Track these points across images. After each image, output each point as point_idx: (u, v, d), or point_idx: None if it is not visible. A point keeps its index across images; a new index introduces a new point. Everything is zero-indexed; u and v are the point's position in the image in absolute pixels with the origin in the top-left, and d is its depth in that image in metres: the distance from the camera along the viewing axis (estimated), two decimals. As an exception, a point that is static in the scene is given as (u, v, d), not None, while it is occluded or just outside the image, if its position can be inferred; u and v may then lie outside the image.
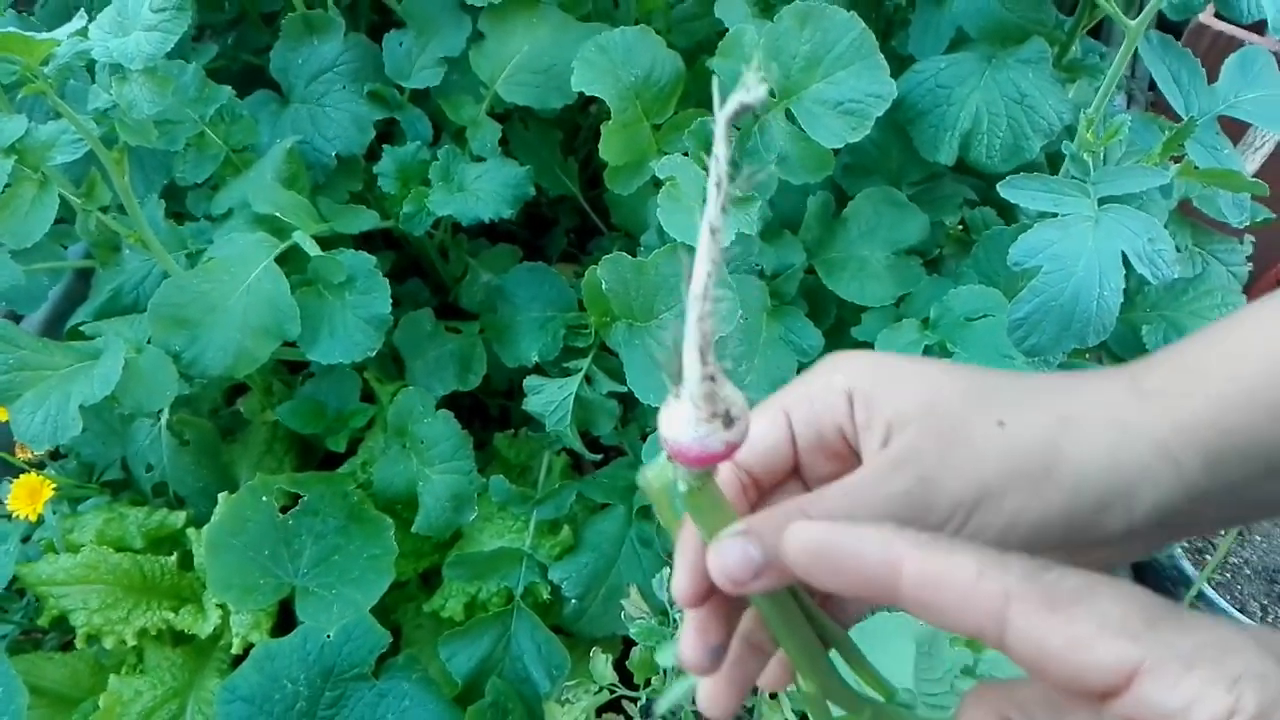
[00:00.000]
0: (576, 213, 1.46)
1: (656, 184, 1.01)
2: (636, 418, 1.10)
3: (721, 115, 0.30)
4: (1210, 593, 1.21)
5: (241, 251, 0.93)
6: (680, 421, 0.34)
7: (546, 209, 1.48)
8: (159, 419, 1.10)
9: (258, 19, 1.33)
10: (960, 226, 1.05)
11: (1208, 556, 1.26)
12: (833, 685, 0.44)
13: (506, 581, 1.01)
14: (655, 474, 0.37)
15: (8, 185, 0.81)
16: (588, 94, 0.89)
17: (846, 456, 0.43)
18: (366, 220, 1.01)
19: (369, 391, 1.16)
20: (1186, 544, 1.27)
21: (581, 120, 1.37)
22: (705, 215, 0.31)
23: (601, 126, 0.89)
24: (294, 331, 0.92)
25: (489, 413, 1.30)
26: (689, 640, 0.41)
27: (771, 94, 0.86)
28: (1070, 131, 0.90)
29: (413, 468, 1.04)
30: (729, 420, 0.34)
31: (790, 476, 0.45)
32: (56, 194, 0.80)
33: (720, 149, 0.31)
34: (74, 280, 1.33)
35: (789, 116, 0.84)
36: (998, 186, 0.76)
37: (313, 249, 0.94)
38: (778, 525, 0.39)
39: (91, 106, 0.80)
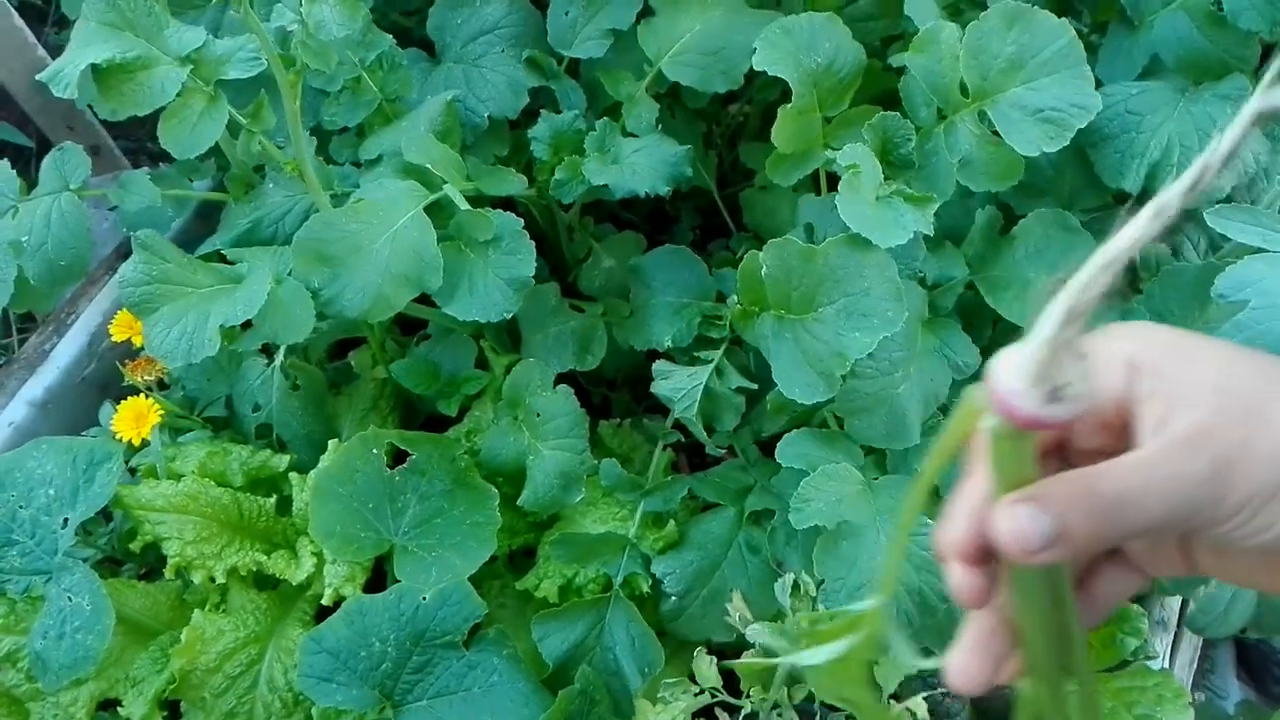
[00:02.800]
0: (700, 212, 1.43)
1: (814, 183, 0.99)
2: (751, 420, 1.06)
3: (1256, 104, 0.29)
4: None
5: (391, 196, 0.91)
6: (1017, 372, 0.32)
7: (669, 205, 1.46)
8: (273, 360, 1.08)
9: (411, -20, 1.33)
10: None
11: (1329, 649, 1.19)
12: (1072, 681, 0.40)
13: (607, 568, 0.97)
14: (975, 400, 0.34)
15: (178, 95, 0.80)
16: (769, 73, 0.86)
17: (1117, 430, 0.40)
18: (514, 184, 0.99)
19: (482, 361, 1.14)
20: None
21: (722, 117, 1.35)
22: (1171, 188, 0.31)
23: (779, 109, 0.86)
24: (435, 283, 0.90)
25: (590, 400, 1.27)
26: (960, 574, 0.39)
27: (964, 92, 0.83)
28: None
29: (523, 441, 1.01)
30: (1062, 394, 0.32)
31: (1053, 445, 0.41)
32: (226, 109, 0.78)
33: (1233, 135, 0.31)
34: (194, 218, 1.33)
35: (981, 119, 0.81)
36: (1205, 213, 0.71)
37: (462, 203, 0.92)
38: (1071, 498, 0.36)
39: (276, 24, 0.79)
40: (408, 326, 1.24)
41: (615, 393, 1.30)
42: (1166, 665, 1.00)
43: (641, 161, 0.94)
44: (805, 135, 0.90)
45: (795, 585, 0.79)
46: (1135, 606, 0.95)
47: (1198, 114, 0.86)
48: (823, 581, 0.79)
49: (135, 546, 0.96)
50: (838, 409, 0.82)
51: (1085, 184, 0.92)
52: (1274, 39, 0.87)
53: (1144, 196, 0.91)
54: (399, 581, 0.93)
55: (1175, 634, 1.02)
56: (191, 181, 1.28)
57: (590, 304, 1.14)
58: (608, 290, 1.18)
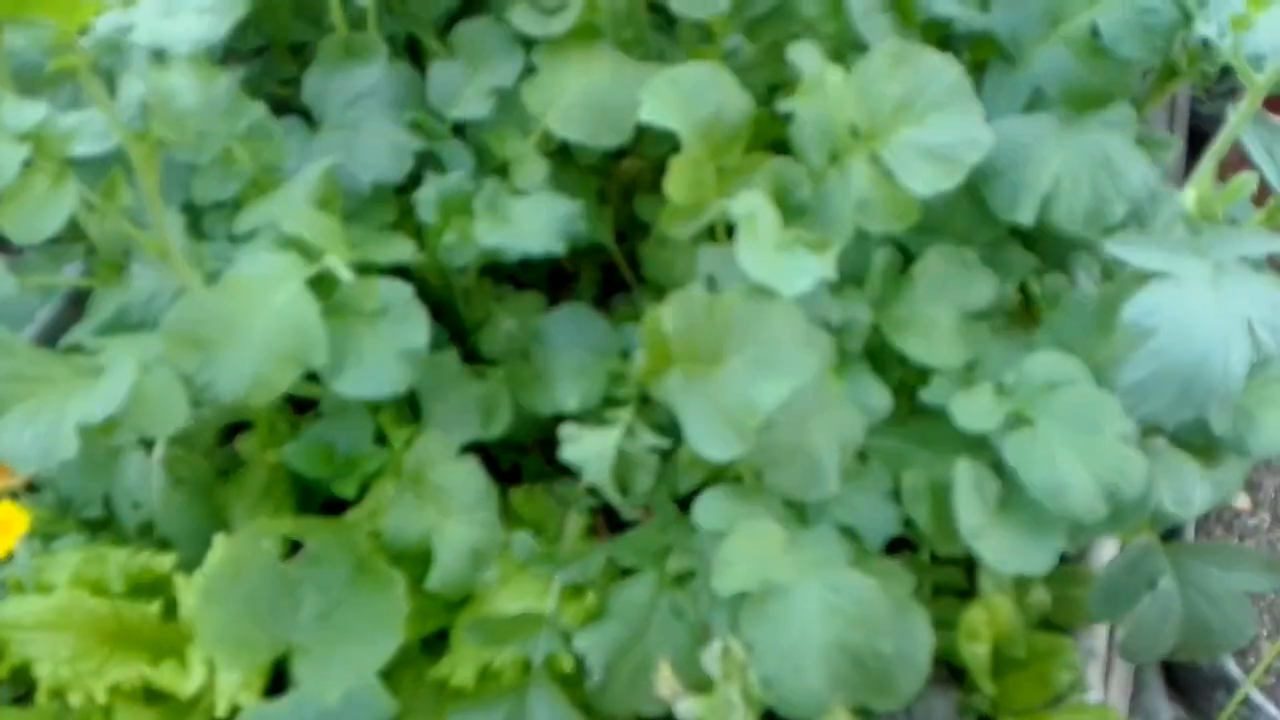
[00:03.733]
0: (600, 267, 1.40)
1: (710, 233, 0.97)
2: (667, 477, 1.03)
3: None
4: (1257, 697, 1.15)
5: (268, 271, 0.86)
6: None
7: (568, 263, 1.43)
8: (151, 453, 1.00)
9: (285, 49, 1.28)
10: (1019, 296, 1.01)
11: (1252, 660, 1.20)
12: None
13: (525, 649, 0.92)
14: None
15: (20, 174, 0.74)
16: (657, 126, 0.84)
17: None
18: (402, 249, 0.95)
19: (381, 435, 1.08)
20: (1231, 647, 1.21)
21: (615, 172, 1.33)
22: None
23: (670, 161, 0.84)
24: (319, 359, 0.84)
25: (499, 466, 1.22)
26: None
27: (855, 135, 0.82)
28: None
29: (428, 518, 0.96)
30: None
31: None
32: (74, 188, 0.73)
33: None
34: (65, 305, 1.24)
35: (874, 161, 0.80)
36: (1107, 243, 0.72)
37: (344, 274, 0.87)
38: None
39: (125, 96, 0.73)
40: (300, 404, 1.17)
41: (525, 457, 1.25)
42: (1102, 696, 0.99)
43: (533, 220, 0.91)
44: (699, 186, 0.88)
45: (724, 651, 0.75)
46: (1065, 639, 0.94)
47: (1086, 143, 0.87)
48: (753, 646, 0.76)
49: (2, 671, 0.87)
50: (754, 463, 0.79)
51: (978, 219, 0.92)
52: (1152, 64, 0.89)
53: (1040, 228, 0.91)
54: (300, 685, 0.86)
55: (1106, 661, 1.01)
56: (62, 268, 1.20)
57: (492, 368, 1.09)
58: (510, 353, 1.13)
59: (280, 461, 1.08)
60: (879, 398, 0.83)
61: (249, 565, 0.89)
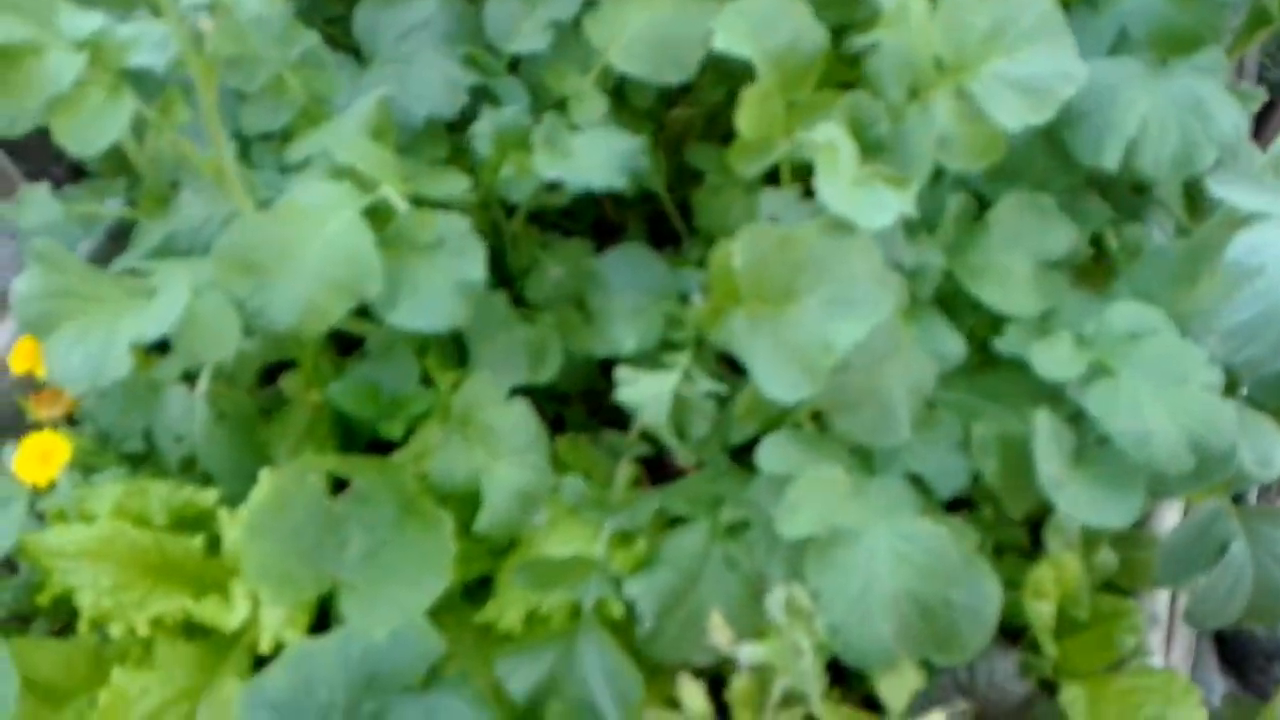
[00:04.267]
0: (646, 219, 1.37)
1: (766, 179, 0.93)
2: (719, 427, 1.00)
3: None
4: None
5: (324, 199, 0.83)
6: None
7: (613, 213, 1.40)
8: (194, 388, 0.98)
9: (332, -15, 1.25)
10: (1090, 249, 0.97)
11: (1310, 636, 1.17)
12: None
13: (575, 593, 0.89)
14: None
15: (76, 85, 0.71)
16: (718, 66, 0.81)
17: None
18: (455, 184, 0.92)
19: (427, 378, 1.06)
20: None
21: (667, 120, 1.29)
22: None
23: (742, 92, 0.81)
24: (373, 289, 0.82)
25: (544, 416, 1.20)
26: None
27: (939, 68, 0.78)
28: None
29: (477, 459, 0.94)
30: None
31: None
32: (130, 100, 0.70)
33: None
34: (106, 241, 1.23)
35: (959, 95, 0.76)
36: (1209, 180, 0.68)
37: (400, 204, 0.84)
38: None
39: (186, 2, 0.71)
40: (344, 345, 1.15)
41: (569, 408, 1.23)
42: (1163, 663, 0.96)
43: (594, 154, 0.88)
44: (769, 121, 0.85)
45: (790, 597, 0.73)
46: (1130, 601, 0.91)
47: (1175, 86, 0.83)
48: (819, 593, 0.73)
49: (44, 600, 0.85)
50: (824, 405, 0.76)
51: (1056, 165, 0.89)
52: (1242, 5, 0.85)
53: (1115, 178, 0.88)
54: (345, 622, 0.84)
55: (1168, 628, 0.98)
56: (103, 202, 1.18)
57: (540, 314, 1.07)
58: (557, 300, 1.11)
59: (324, 401, 1.06)
60: (952, 344, 0.80)
61: (295, 500, 0.87)
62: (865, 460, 0.82)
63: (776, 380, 0.74)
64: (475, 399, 0.96)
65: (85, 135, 0.70)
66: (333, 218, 0.82)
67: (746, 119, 0.81)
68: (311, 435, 1.05)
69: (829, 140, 0.73)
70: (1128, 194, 0.99)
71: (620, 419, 1.25)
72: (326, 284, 0.81)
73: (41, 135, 1.57)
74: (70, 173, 1.51)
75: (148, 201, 1.01)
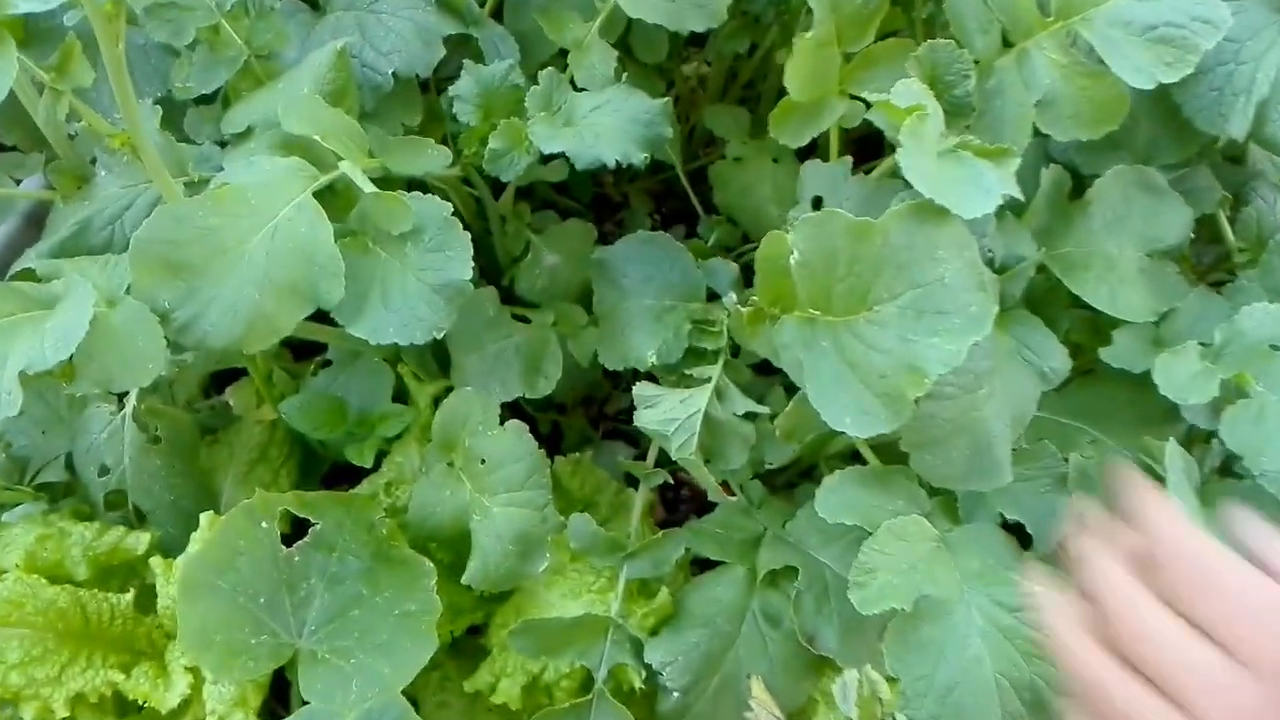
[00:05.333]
0: (652, 195, 1.21)
1: (807, 149, 0.77)
2: (753, 449, 0.85)
3: None
4: None
5: (268, 179, 0.67)
6: None
7: (613, 189, 1.23)
8: (122, 405, 0.82)
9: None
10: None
11: None
12: None
13: (585, 659, 0.74)
14: None
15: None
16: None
17: None
18: (433, 158, 0.75)
19: (401, 390, 0.90)
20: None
21: (677, 78, 1.12)
22: None
23: (795, 40, 0.64)
24: (333, 295, 0.66)
25: (537, 429, 1.04)
26: None
27: (1043, 11, 0.62)
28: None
29: (463, 495, 0.78)
30: None
31: None
32: (13, 54, 0.53)
33: None
34: (23, 226, 1.05)
35: (1065, 46, 0.60)
36: None
37: (366, 184, 0.68)
38: None
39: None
40: (301, 350, 0.99)
41: (567, 417, 1.07)
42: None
43: (605, 121, 0.71)
44: (822, 77, 0.68)
45: (862, 684, 0.58)
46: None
47: (1317, 37, 0.67)
48: (900, 679, 0.58)
49: (-67, 678, 0.69)
50: (904, 441, 0.61)
51: (1165, 134, 0.73)
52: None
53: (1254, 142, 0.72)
54: (307, 703, 0.68)
55: None
56: (18, 183, 1.00)
57: (535, 312, 0.90)
58: (553, 294, 0.95)
59: (278, 419, 0.90)
60: (1055, 358, 0.65)
61: (243, 550, 0.71)
62: (947, 503, 0.67)
63: (845, 409, 0.58)
64: (460, 419, 0.80)
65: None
66: (281, 202, 0.66)
67: (797, 74, 0.65)
68: (264, 460, 0.89)
69: (914, 100, 0.57)
70: (1232, 169, 0.84)
71: (624, 429, 1.10)
72: (275, 288, 0.65)
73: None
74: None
75: (63, 181, 0.84)
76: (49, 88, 0.59)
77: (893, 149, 0.57)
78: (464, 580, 0.75)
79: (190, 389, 0.92)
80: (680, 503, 1.03)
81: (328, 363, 0.91)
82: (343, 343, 0.87)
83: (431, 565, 0.74)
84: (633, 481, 0.91)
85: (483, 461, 0.77)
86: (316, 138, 0.70)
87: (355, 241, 0.70)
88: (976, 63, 0.65)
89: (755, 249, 1.01)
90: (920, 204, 0.56)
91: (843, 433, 0.68)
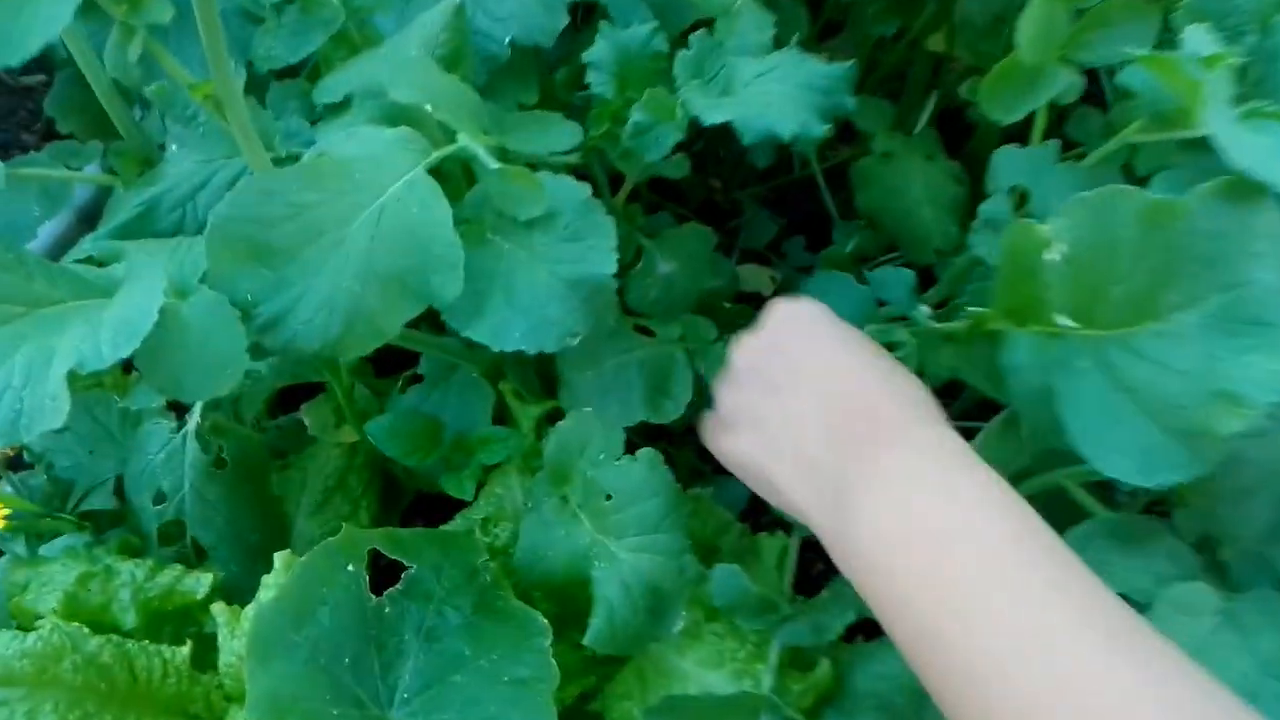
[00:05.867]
0: (764, 201, 1.08)
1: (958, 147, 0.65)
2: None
3: None
4: None
5: (374, 151, 0.55)
6: None
7: (722, 195, 1.11)
8: (183, 422, 0.70)
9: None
10: None
11: None
12: None
13: (733, 744, 0.61)
14: None
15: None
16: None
17: None
18: (562, 135, 0.63)
19: (499, 412, 0.78)
20: None
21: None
22: None
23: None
24: (447, 290, 0.54)
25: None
26: None
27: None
28: None
29: (581, 537, 0.65)
30: None
31: None
32: (75, -19, 0.42)
33: None
34: (73, 222, 0.95)
35: None
36: None
37: (491, 162, 0.56)
38: None
39: None
40: (384, 361, 0.87)
41: (676, 447, 0.94)
42: None
43: (774, 89, 0.59)
44: (1049, 37, 0.56)
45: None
46: None
47: None
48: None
49: (-49, 745, 0.57)
50: (1196, 490, 0.47)
51: None
52: None
53: None
54: (399, 791, 0.56)
55: None
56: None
57: (658, 325, 0.78)
58: (667, 306, 0.82)
59: (359, 442, 0.78)
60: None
61: (325, 598, 0.59)
62: (1211, 563, 0.53)
63: (1120, 450, 0.45)
64: (578, 446, 0.67)
65: (14, 27, 0.41)
66: (390, 179, 0.54)
67: (1031, 29, 0.53)
68: (341, 490, 0.77)
69: (1213, 49, 0.44)
70: None
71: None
72: (379, 281, 0.53)
73: (10, 96, 1.29)
74: (47, 138, 1.24)
75: (126, 164, 0.73)
76: (119, 24, 0.47)
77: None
78: (586, 641, 0.62)
79: (257, 405, 0.80)
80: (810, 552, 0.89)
81: (416, 378, 0.79)
82: (439, 352, 0.75)
83: (546, 622, 0.62)
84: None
85: (608, 498, 0.65)
86: (428, 108, 0.58)
87: (470, 230, 0.58)
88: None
89: (897, 257, 0.89)
90: (1232, 181, 0.43)
91: (1052, 472, 0.56)
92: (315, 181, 0.53)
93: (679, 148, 0.83)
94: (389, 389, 0.81)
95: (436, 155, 0.56)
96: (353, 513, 0.77)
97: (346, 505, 0.77)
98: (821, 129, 0.57)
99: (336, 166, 0.54)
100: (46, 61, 1.23)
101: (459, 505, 0.76)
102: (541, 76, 0.75)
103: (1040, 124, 0.63)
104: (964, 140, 0.92)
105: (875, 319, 0.66)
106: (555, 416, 0.76)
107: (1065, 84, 0.58)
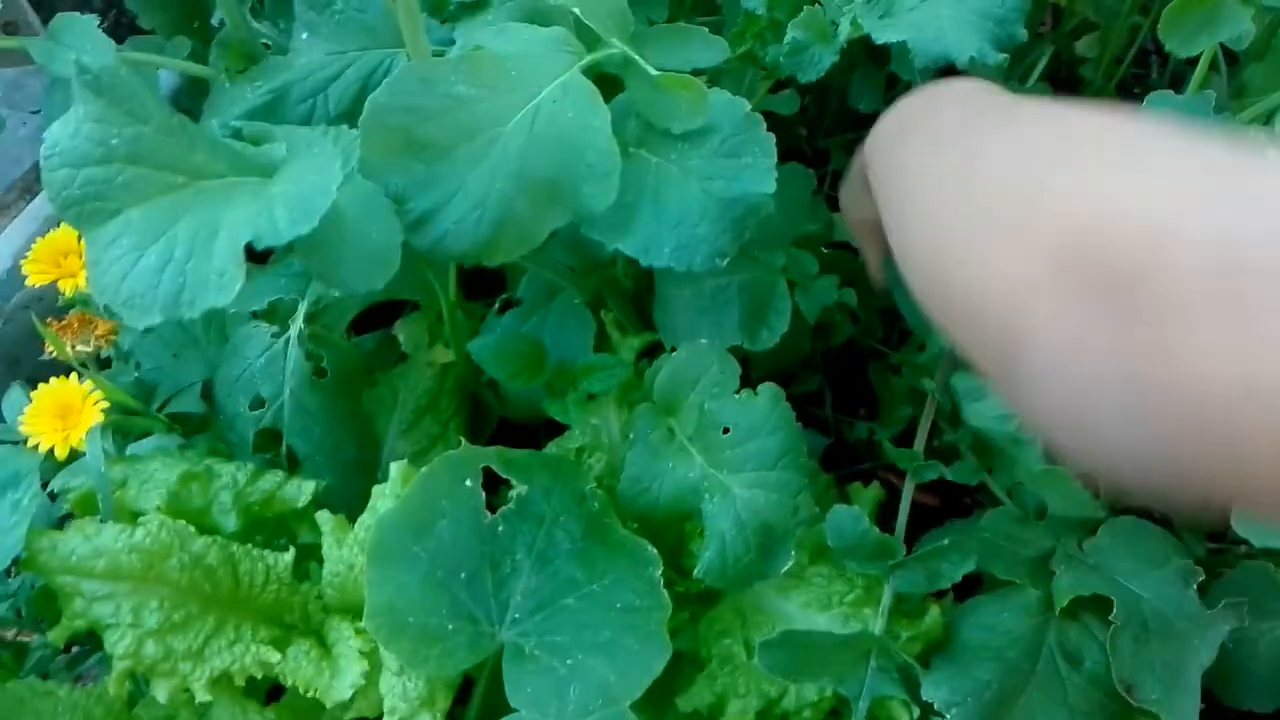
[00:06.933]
0: (849, 152, 1.06)
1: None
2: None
3: None
4: None
5: (530, 48, 0.53)
6: None
7: (805, 143, 1.09)
8: (286, 329, 0.68)
9: None
10: None
11: None
12: None
13: (843, 686, 0.60)
14: None
15: None
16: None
17: None
18: (707, 50, 0.61)
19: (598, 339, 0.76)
20: None
21: None
22: None
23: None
24: (599, 198, 0.52)
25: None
26: None
27: None
28: None
29: (691, 470, 0.64)
30: None
31: None
32: None
33: None
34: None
35: None
36: None
37: (647, 69, 0.54)
38: None
39: None
40: (471, 284, 0.85)
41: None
42: None
43: (945, 13, 0.56)
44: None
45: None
46: None
47: None
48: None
49: (58, 637, 0.56)
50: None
51: None
52: None
53: None
54: (515, 711, 0.54)
55: None
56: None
57: (761, 251, 0.76)
58: (764, 246, 0.80)
59: (452, 362, 0.76)
60: None
61: (446, 510, 0.57)
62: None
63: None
64: (691, 377, 0.66)
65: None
66: (545, 79, 0.52)
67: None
68: (432, 410, 0.75)
69: None
70: None
71: (820, 413, 0.95)
72: (530, 185, 0.51)
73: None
74: (116, 39, 1.21)
75: (231, 56, 0.71)
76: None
77: None
78: (698, 573, 0.61)
79: (348, 317, 0.78)
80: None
81: (510, 302, 0.77)
82: (538, 273, 0.73)
83: (655, 552, 0.60)
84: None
85: (725, 430, 0.63)
86: (575, 10, 0.56)
87: (622, 139, 0.56)
88: None
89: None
90: None
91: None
92: (473, 75, 0.50)
93: (778, 85, 0.81)
94: (477, 310, 0.79)
95: (591, 57, 0.54)
96: (442, 435, 0.75)
97: (436, 426, 0.75)
98: (997, 57, 0.55)
99: (493, 62, 0.51)
100: (119, -44, 1.20)
101: (546, 434, 0.74)
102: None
103: (1202, 70, 0.61)
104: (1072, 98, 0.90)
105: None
106: (654, 350, 0.75)
107: (1243, 26, 0.56)
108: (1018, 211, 0.29)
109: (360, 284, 0.47)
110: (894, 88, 0.94)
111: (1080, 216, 0.27)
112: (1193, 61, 0.62)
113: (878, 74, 0.91)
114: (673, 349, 0.68)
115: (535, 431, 0.78)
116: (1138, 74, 0.95)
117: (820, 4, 0.60)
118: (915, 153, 0.40)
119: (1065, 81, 0.95)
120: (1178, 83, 0.90)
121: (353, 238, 0.46)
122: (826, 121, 1.08)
